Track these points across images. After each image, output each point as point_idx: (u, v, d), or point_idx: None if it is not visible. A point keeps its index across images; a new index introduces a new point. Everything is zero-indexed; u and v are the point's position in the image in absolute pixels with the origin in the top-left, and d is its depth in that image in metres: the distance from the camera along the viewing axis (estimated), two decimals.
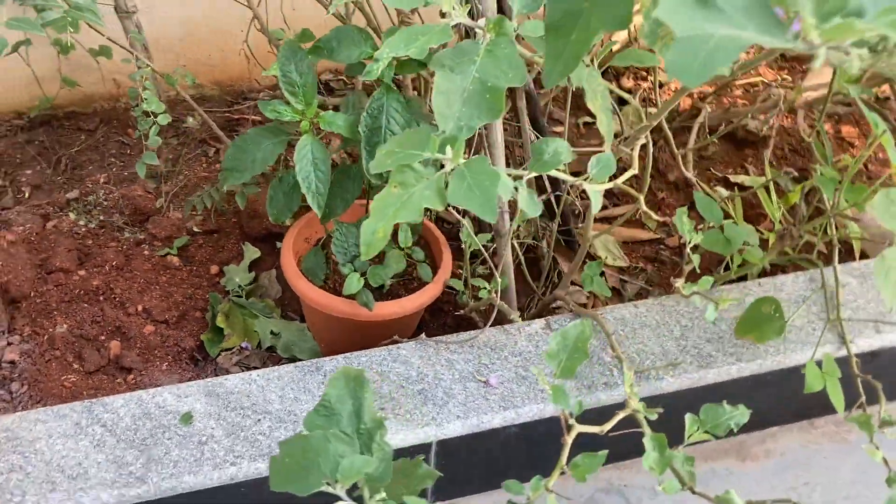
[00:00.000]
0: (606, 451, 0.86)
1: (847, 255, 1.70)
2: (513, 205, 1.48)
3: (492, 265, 1.29)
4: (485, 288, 1.33)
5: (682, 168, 1.45)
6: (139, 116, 1.33)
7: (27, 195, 1.77)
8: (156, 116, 1.31)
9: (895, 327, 1.38)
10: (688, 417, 1.01)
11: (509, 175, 0.70)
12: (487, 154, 1.32)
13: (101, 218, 1.70)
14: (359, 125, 1.20)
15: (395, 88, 1.21)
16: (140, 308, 1.51)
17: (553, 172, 0.75)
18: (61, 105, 1.94)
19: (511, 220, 1.36)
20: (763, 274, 1.68)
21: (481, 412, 1.25)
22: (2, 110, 1.96)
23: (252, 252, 1.68)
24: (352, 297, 1.36)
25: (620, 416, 0.94)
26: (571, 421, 0.88)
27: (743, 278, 1.58)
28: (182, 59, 1.99)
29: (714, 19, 0.40)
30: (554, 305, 1.49)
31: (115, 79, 1.96)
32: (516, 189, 0.69)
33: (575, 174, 1.24)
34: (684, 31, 0.39)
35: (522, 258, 1.59)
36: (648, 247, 1.81)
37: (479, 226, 1.56)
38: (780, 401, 1.50)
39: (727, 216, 1.69)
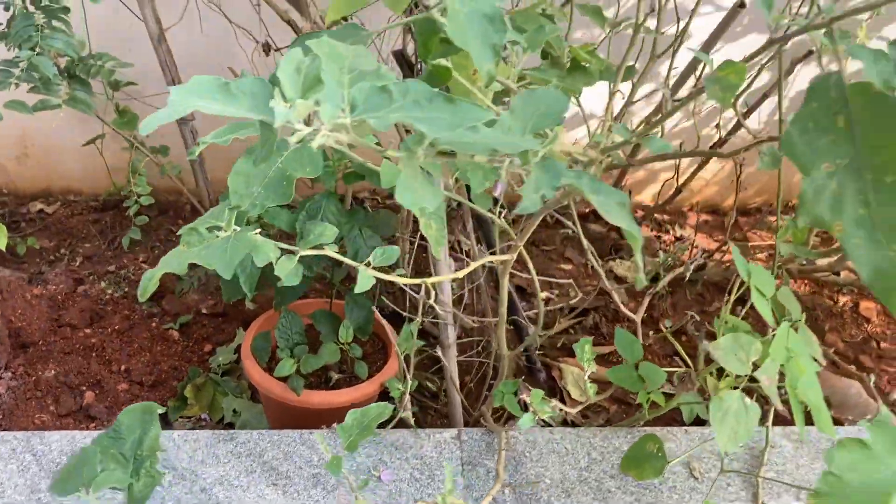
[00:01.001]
0: None
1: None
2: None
3: (404, 368, 1.37)
4: (398, 389, 1.40)
5: (621, 308, 1.49)
6: (129, 196, 1.56)
7: (77, 263, 2.04)
8: (139, 197, 1.54)
9: None
10: None
11: (281, 249, 0.82)
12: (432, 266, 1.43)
13: (126, 290, 1.93)
14: (296, 222, 1.36)
15: (335, 194, 1.37)
16: (123, 368, 1.69)
17: (330, 253, 0.86)
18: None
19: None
20: None
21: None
22: (85, 192, 2.29)
23: (242, 336, 1.84)
24: (284, 380, 1.47)
25: None
26: (360, 498, 0.93)
27: (675, 422, 1.56)
28: None
29: (222, 100, 0.52)
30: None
31: (180, 177, 2.25)
32: (277, 259, 0.81)
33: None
34: (173, 105, 0.52)
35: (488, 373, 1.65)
36: (620, 387, 1.80)
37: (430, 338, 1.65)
38: None
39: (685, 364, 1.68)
